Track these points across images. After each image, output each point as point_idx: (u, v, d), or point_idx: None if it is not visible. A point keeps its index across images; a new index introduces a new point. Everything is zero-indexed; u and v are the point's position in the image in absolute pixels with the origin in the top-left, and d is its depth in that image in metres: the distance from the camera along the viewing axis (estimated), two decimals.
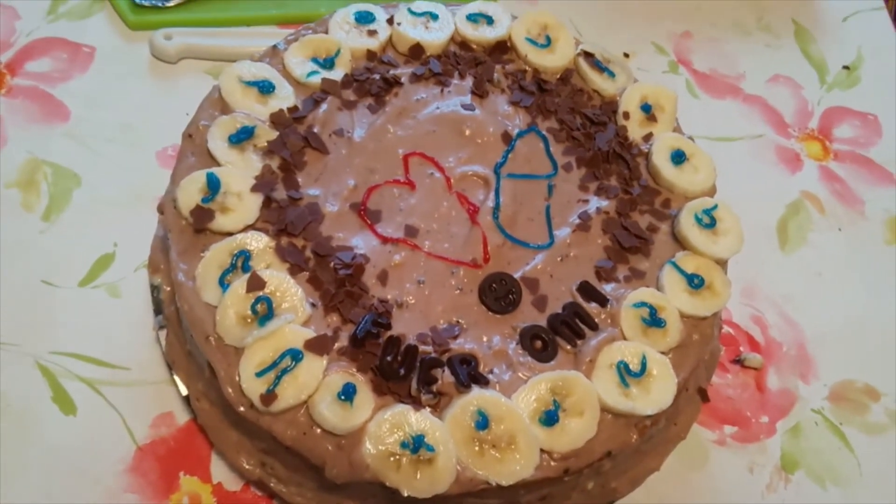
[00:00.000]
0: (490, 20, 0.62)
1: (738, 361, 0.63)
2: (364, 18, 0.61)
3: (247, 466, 0.51)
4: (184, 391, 0.53)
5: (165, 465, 0.53)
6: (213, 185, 0.50)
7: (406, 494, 0.44)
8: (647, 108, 0.60)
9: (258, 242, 0.49)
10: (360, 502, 0.49)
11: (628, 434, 0.48)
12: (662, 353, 0.50)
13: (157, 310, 0.55)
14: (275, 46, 0.59)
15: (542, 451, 0.46)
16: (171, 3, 0.73)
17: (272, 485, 0.50)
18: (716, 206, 0.56)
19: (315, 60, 0.58)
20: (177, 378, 0.54)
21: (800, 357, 0.64)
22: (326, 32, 0.60)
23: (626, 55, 0.79)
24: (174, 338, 0.54)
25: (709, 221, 0.55)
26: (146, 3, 0.73)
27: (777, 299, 0.66)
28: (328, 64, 0.58)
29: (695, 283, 0.53)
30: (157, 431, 0.54)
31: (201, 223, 0.49)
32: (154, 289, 0.56)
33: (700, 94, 0.79)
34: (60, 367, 0.56)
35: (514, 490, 0.46)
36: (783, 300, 0.66)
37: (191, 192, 0.50)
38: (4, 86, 0.67)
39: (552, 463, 0.46)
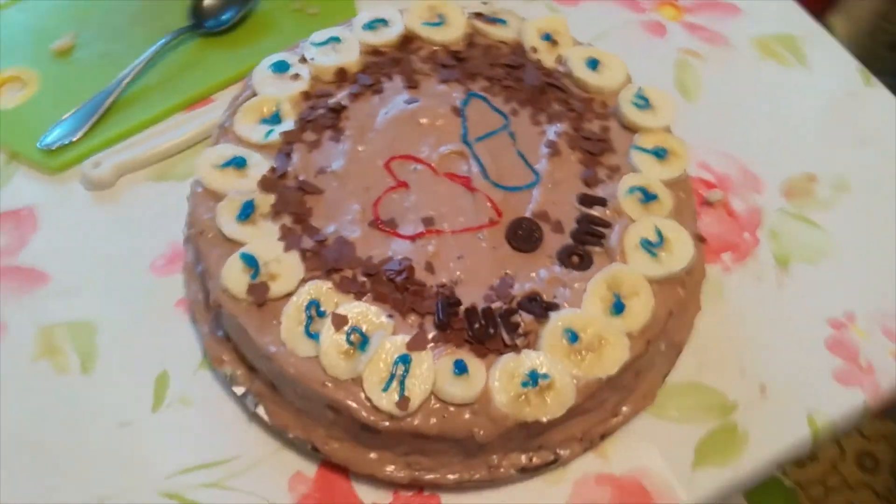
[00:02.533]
0: (385, 22, 0.68)
1: (706, 202, 0.73)
2: (280, 67, 0.66)
3: (397, 474, 0.56)
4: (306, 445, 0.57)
5: None
6: (252, 261, 0.55)
7: (546, 420, 0.52)
8: (547, 37, 0.69)
9: (319, 289, 0.54)
10: (501, 454, 0.56)
11: (675, 291, 0.58)
12: (667, 218, 0.60)
13: (243, 395, 0.59)
14: (221, 126, 0.63)
15: (625, 335, 0.54)
16: (78, 136, 0.73)
17: (425, 477, 0.56)
18: (640, 88, 0.66)
19: (264, 121, 0.63)
20: (292, 435, 0.57)
21: (746, 177, 0.75)
22: (255, 94, 0.64)
23: (485, 2, 0.87)
24: (275, 406, 0.57)
25: (643, 102, 0.65)
26: (54, 146, 0.73)
27: (708, 142, 0.76)
28: (276, 119, 0.63)
29: (659, 154, 0.63)
30: (298, 492, 0.58)
31: (262, 297, 0.54)
32: (229, 378, 0.59)
33: (558, 7, 0.88)
34: (181, 484, 0.58)
35: (619, 377, 0.54)
36: (712, 141, 0.76)
37: (237, 278, 0.54)
38: None
39: (636, 341, 0.55)
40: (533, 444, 0.55)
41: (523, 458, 0.56)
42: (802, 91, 0.81)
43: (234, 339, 0.57)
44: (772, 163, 0.76)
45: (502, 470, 0.55)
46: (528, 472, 0.56)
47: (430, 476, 0.56)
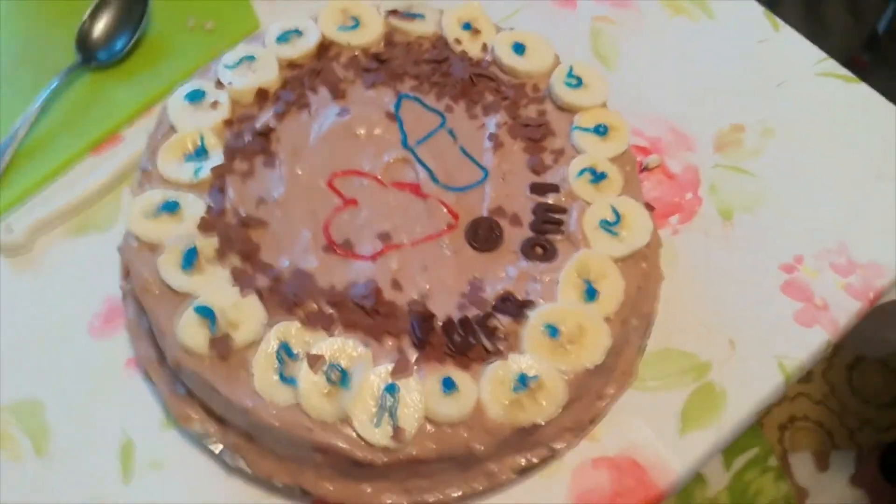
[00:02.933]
0: (299, 32, 0.65)
1: (644, 168, 0.74)
2: (195, 96, 0.61)
3: (397, 502, 0.54)
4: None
5: None
6: (208, 313, 0.51)
7: (544, 422, 0.51)
8: (468, 26, 0.67)
9: (286, 330, 0.51)
10: (497, 460, 0.55)
11: (640, 266, 0.58)
12: (619, 195, 0.59)
13: (220, 451, 0.55)
14: (143, 170, 0.58)
15: (603, 320, 0.54)
16: None
17: (427, 500, 0.55)
18: (571, 68, 0.65)
19: (189, 157, 0.58)
20: (279, 483, 0.55)
21: (677, 137, 0.76)
22: (175, 129, 0.60)
23: None
24: (256, 456, 0.54)
25: (575, 82, 0.64)
26: None
27: (634, 108, 0.75)
28: (202, 153, 0.59)
29: (601, 131, 0.62)
30: None
31: (226, 350, 0.50)
32: (202, 436, 0.56)
33: None
34: None
35: (605, 364, 0.54)
36: (639, 106, 0.76)
37: (195, 333, 0.51)
38: None
39: (614, 323, 0.54)
40: (527, 443, 0.55)
41: (521, 460, 0.55)
42: (715, 44, 0.82)
43: (201, 396, 0.53)
44: (699, 119, 0.77)
45: (503, 476, 0.54)
46: (526, 472, 0.56)
47: (431, 498, 0.54)
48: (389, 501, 0.53)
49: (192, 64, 0.75)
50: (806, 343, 0.65)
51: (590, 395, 0.56)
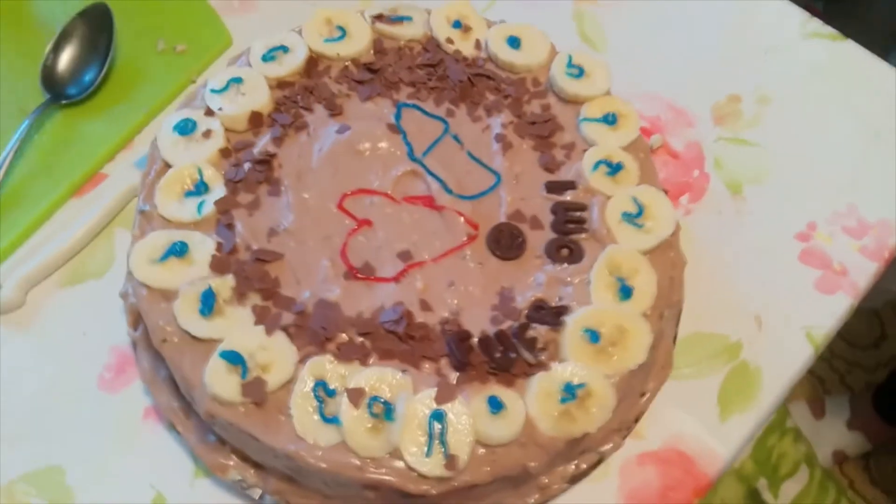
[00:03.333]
0: (285, 48, 0.62)
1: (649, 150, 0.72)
2: (185, 128, 0.58)
3: None
4: None
5: None
6: (236, 358, 0.48)
7: (596, 430, 0.49)
8: (457, 24, 0.64)
9: (320, 367, 0.49)
10: (549, 471, 0.53)
11: (667, 256, 0.56)
12: (638, 185, 0.58)
13: (260, 497, 0.53)
14: (142, 212, 0.55)
15: (642, 316, 0.53)
16: None
17: None
18: (570, 57, 0.63)
19: (189, 194, 0.55)
20: None
21: (676, 114, 0.75)
22: (169, 165, 0.57)
23: None
24: (300, 498, 0.52)
25: (577, 72, 0.62)
26: None
27: (629, 88, 0.73)
28: (202, 188, 0.56)
29: (609, 121, 0.60)
30: None
31: (260, 395, 0.48)
32: (238, 483, 0.53)
33: None
34: None
35: (646, 360, 0.52)
36: (633, 86, 0.74)
37: (225, 381, 0.48)
38: None
39: (652, 319, 0.53)
40: (577, 450, 0.53)
41: (570, 468, 0.54)
42: (699, 15, 0.81)
43: (236, 444, 0.51)
44: (695, 93, 0.76)
45: (554, 486, 0.53)
46: (577, 479, 0.54)
47: None
48: None
49: (167, 89, 0.72)
50: (830, 311, 0.65)
51: (633, 393, 0.55)
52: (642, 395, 0.56)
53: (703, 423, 0.59)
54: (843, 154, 0.73)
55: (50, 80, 0.70)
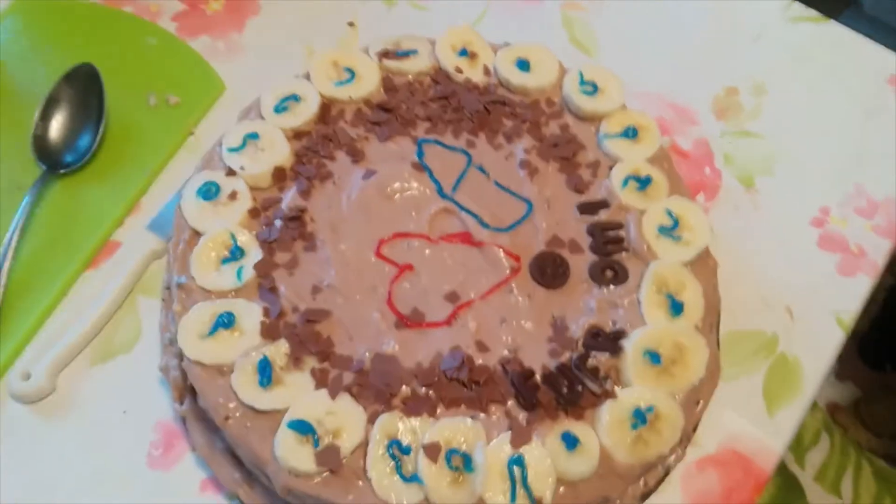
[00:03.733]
0: (296, 97, 0.60)
1: None
2: (209, 192, 0.56)
3: None
4: None
5: None
6: (305, 427, 0.48)
7: (669, 451, 0.50)
8: (464, 53, 0.64)
9: (391, 425, 0.48)
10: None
11: (707, 264, 0.57)
12: (669, 196, 0.58)
13: None
14: (179, 285, 0.54)
15: (695, 329, 0.53)
16: None
17: None
18: (581, 73, 0.63)
19: (225, 261, 0.54)
20: None
21: (678, 112, 0.75)
22: (199, 233, 0.55)
23: (351, 24, 0.79)
24: None
25: (591, 89, 0.62)
26: None
27: (628, 91, 0.75)
28: (238, 253, 0.54)
29: (630, 135, 0.61)
30: None
31: (336, 463, 0.47)
32: None
33: (425, 5, 0.81)
34: None
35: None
36: (632, 87, 0.74)
37: (298, 452, 0.47)
38: None
39: (705, 331, 0.54)
40: (645, 468, 0.54)
41: (640, 486, 0.54)
42: (685, 9, 0.82)
43: None
44: (692, 89, 0.76)
45: None
46: (646, 496, 0.55)
47: None
48: None
49: (167, 145, 0.70)
50: (855, 293, 0.67)
51: (691, 404, 0.56)
52: (697, 403, 0.57)
53: (753, 421, 0.61)
54: (842, 135, 0.75)
55: (44, 150, 0.67)
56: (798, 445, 0.93)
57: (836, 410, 1.54)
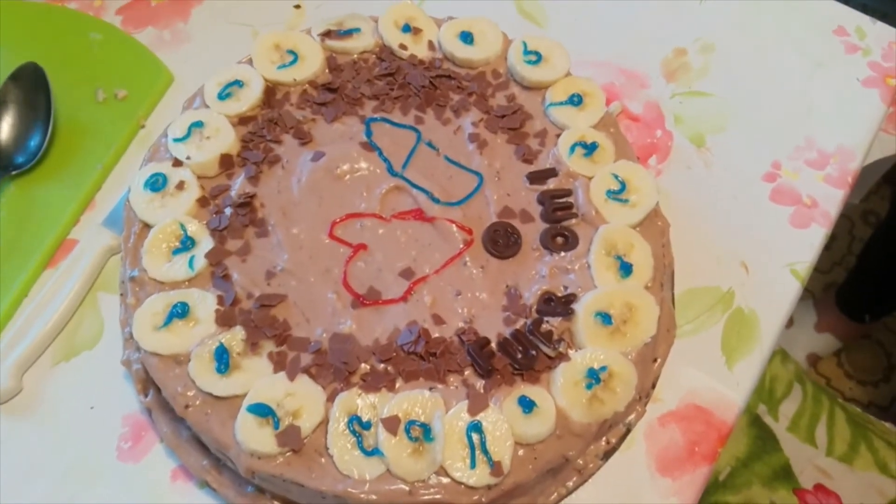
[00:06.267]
0: (240, 83, 0.60)
1: None
2: (156, 183, 0.56)
3: None
4: None
5: None
6: (265, 410, 0.48)
7: (624, 408, 0.51)
8: (407, 28, 0.64)
9: (350, 402, 0.49)
10: (584, 453, 0.55)
11: (655, 225, 0.58)
12: (616, 161, 0.59)
13: None
14: (132, 278, 0.54)
15: (645, 289, 0.54)
16: None
17: None
18: (524, 43, 0.63)
19: (176, 251, 0.54)
20: None
21: (628, 77, 0.76)
22: (149, 225, 0.55)
23: (298, 6, 0.79)
24: None
25: (535, 58, 0.62)
26: None
27: (579, 58, 0.75)
28: (188, 243, 0.54)
29: (575, 101, 0.61)
30: None
31: (297, 442, 0.48)
32: None
33: None
34: None
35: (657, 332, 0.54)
36: (582, 56, 0.75)
37: (259, 434, 0.48)
38: None
39: (654, 290, 0.55)
40: (605, 427, 0.55)
41: (602, 444, 0.55)
42: None
43: (279, 492, 0.51)
44: (642, 53, 0.77)
45: (590, 465, 0.55)
46: (609, 454, 0.56)
47: None
48: None
49: (118, 139, 0.70)
50: (809, 244, 0.68)
51: (647, 362, 0.57)
52: (654, 361, 0.58)
53: (712, 375, 0.62)
54: (792, 89, 0.76)
55: None
56: (771, 397, 0.95)
57: (817, 361, 1.56)
